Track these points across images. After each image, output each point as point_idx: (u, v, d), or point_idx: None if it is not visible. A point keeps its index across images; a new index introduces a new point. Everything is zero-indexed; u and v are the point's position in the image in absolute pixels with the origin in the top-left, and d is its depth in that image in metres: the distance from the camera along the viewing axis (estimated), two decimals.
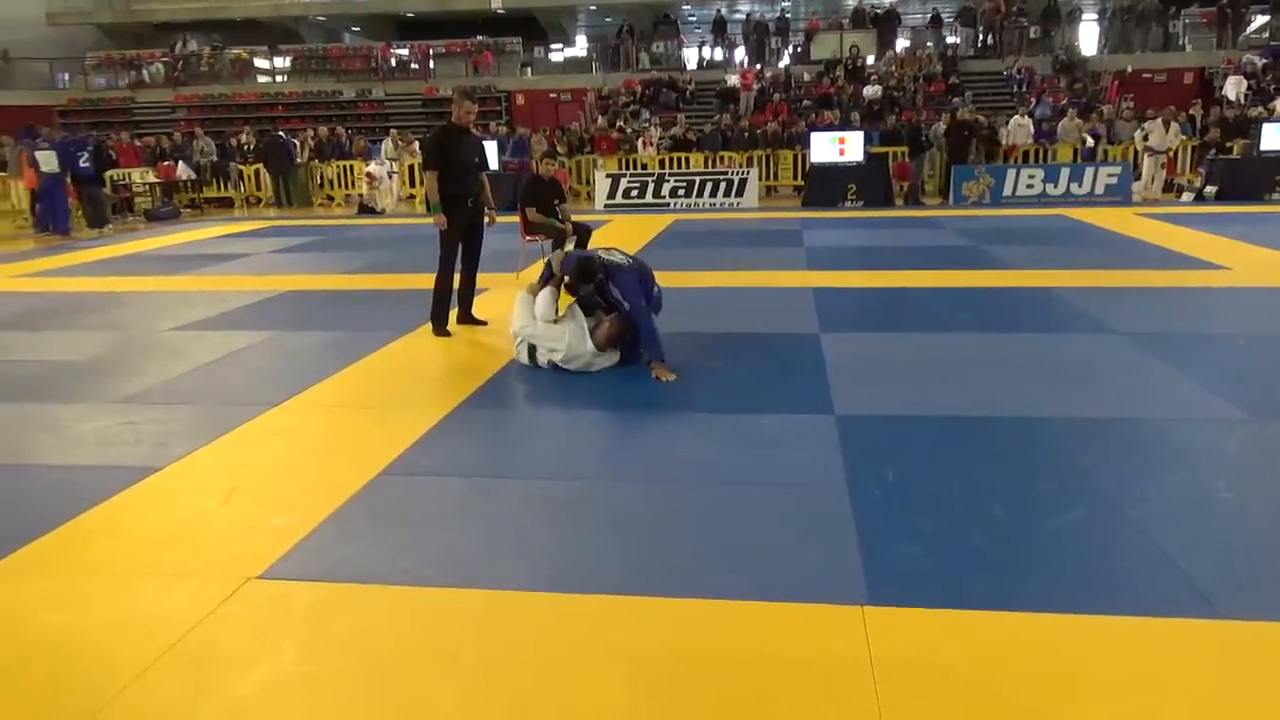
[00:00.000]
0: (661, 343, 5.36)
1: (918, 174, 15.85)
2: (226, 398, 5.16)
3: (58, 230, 14.09)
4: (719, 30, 25.53)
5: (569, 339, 5.36)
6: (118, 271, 10.21)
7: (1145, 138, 15.26)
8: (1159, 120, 15.20)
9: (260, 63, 27.48)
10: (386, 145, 18.39)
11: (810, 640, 2.65)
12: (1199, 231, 10.69)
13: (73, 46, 27.28)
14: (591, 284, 5.47)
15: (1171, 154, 15.62)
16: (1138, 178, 15.37)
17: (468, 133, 6.61)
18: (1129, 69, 21.58)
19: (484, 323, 6.75)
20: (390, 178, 17.59)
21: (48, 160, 13.94)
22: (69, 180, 14.34)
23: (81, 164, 14.23)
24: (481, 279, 6.95)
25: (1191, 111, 17.10)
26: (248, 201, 19.12)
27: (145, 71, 26.45)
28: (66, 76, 27.22)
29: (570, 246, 5.77)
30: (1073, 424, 4.36)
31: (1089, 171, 15.31)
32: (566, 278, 5.55)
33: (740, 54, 25.17)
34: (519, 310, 5.66)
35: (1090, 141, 16.43)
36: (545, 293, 5.55)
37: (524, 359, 5.59)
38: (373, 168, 17.44)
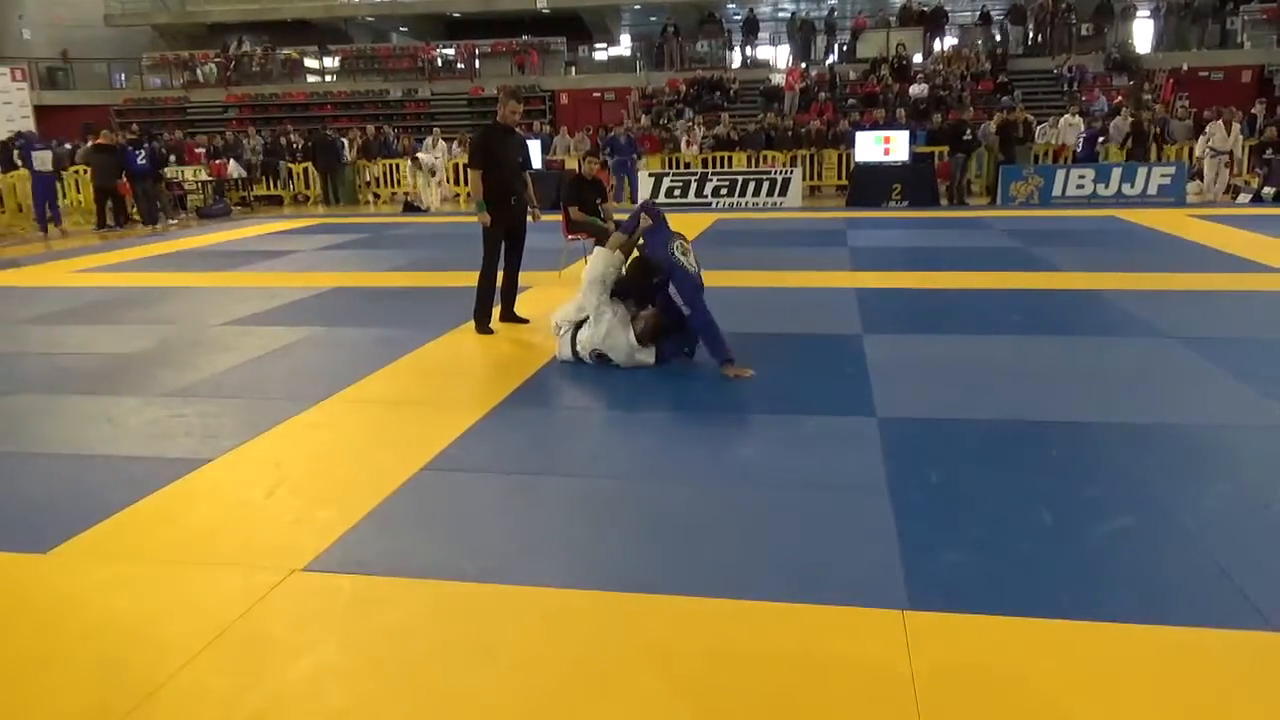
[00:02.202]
0: (726, 341, 5.31)
1: (959, 174, 15.63)
2: (273, 392, 5.25)
3: (42, 227, 14.17)
4: (750, 30, 25.39)
5: (608, 325, 5.37)
6: (170, 267, 10.43)
7: (1208, 140, 14.85)
8: (1220, 121, 14.80)
9: (310, 63, 27.93)
10: (427, 143, 18.53)
11: (849, 644, 2.63)
12: (1255, 234, 10.40)
13: (130, 47, 27.96)
14: (652, 280, 5.48)
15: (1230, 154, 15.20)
16: (1194, 177, 14.97)
17: (512, 132, 6.68)
18: (1184, 67, 21.07)
19: (526, 321, 6.79)
20: (433, 175, 17.74)
21: (42, 160, 14.22)
22: (124, 178, 14.67)
23: (139, 161, 14.57)
24: (524, 277, 6.99)
25: (1254, 110, 16.59)
26: (296, 199, 19.44)
27: (199, 71, 27.03)
28: (123, 76, 27.90)
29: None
30: (1123, 429, 4.27)
31: (1141, 172, 14.96)
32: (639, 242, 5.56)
33: (770, 51, 25.02)
34: (590, 278, 5.51)
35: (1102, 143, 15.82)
36: (613, 254, 5.52)
37: (566, 353, 5.59)
38: (422, 155, 17.57)
